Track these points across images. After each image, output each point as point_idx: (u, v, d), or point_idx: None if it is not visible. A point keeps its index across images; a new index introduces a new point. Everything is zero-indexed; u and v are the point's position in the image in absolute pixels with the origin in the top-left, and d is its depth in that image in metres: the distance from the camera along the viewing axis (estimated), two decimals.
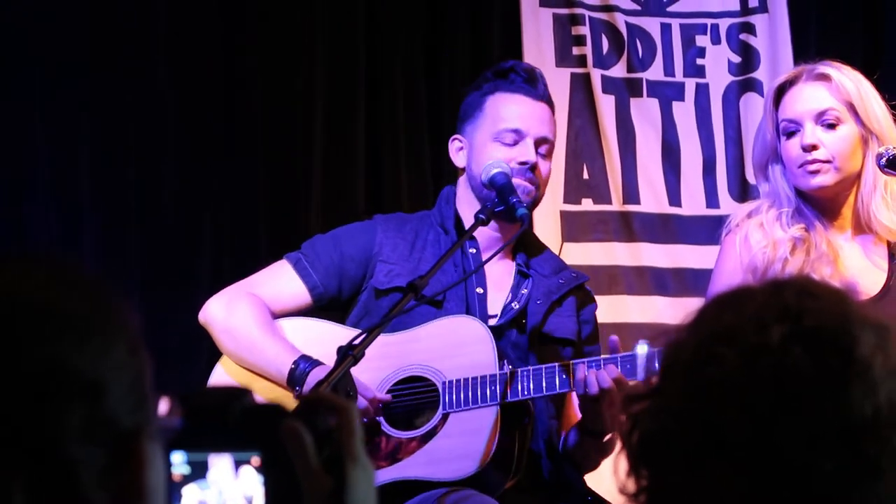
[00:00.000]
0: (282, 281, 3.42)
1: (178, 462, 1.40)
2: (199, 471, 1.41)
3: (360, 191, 4.55)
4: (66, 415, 1.21)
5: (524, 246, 3.50)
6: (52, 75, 4.26)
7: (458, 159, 3.51)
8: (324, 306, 3.44)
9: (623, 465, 1.39)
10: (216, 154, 4.43)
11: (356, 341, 2.94)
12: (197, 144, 4.42)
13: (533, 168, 3.38)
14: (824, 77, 3.37)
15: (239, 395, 1.40)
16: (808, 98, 3.37)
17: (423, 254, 3.42)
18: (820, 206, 3.39)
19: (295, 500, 1.38)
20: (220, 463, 1.40)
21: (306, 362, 3.22)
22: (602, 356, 3.22)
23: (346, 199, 4.46)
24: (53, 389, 1.21)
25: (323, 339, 3.32)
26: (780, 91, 3.42)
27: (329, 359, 3.12)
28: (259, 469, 1.39)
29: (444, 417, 3.22)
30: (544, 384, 3.17)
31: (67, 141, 4.27)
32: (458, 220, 3.47)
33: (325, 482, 1.38)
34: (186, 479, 1.40)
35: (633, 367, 3.11)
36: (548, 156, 3.45)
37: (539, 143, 3.42)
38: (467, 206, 3.45)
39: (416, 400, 3.27)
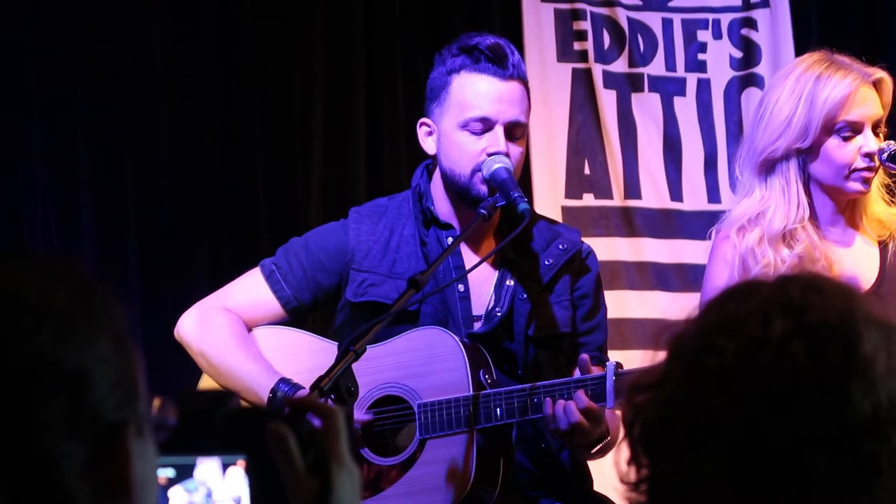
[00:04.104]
0: (255, 294, 3.31)
1: (163, 465, 1.40)
2: (184, 473, 1.41)
3: (361, 184, 4.55)
4: (47, 407, 1.21)
5: (509, 229, 3.25)
6: (50, 76, 4.25)
7: (428, 145, 3.32)
8: (300, 316, 3.36)
9: (625, 455, 1.39)
10: (215, 153, 4.42)
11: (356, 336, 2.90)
12: (195, 143, 4.41)
13: (504, 157, 3.19)
14: (879, 83, 3.33)
15: (224, 398, 1.40)
16: (870, 103, 3.32)
17: (397, 254, 3.28)
18: (837, 205, 3.37)
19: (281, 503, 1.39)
20: (207, 463, 1.41)
21: (286, 385, 3.12)
22: (573, 377, 3.08)
23: (347, 192, 4.45)
24: (34, 382, 1.21)
25: (299, 350, 3.25)
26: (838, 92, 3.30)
27: (305, 373, 3.06)
28: (245, 471, 1.40)
29: (422, 443, 3.14)
30: (516, 410, 3.08)
31: (65, 142, 4.26)
32: (433, 214, 3.30)
33: (311, 485, 1.39)
34: (172, 482, 1.41)
35: (603, 389, 3.01)
36: (521, 138, 3.24)
37: (510, 127, 3.22)
38: (441, 196, 3.31)
39: (393, 423, 3.19)
